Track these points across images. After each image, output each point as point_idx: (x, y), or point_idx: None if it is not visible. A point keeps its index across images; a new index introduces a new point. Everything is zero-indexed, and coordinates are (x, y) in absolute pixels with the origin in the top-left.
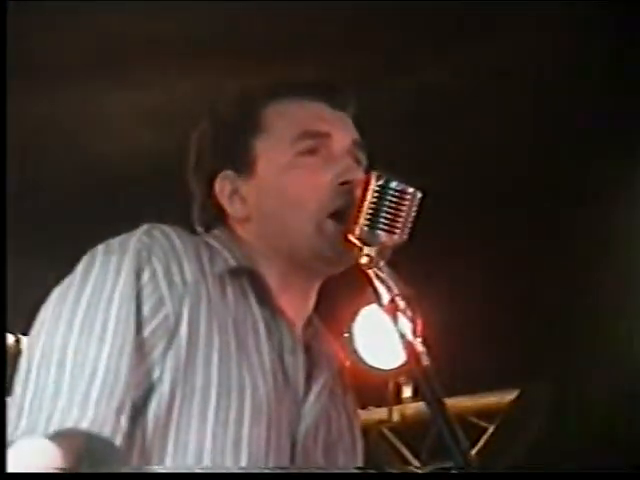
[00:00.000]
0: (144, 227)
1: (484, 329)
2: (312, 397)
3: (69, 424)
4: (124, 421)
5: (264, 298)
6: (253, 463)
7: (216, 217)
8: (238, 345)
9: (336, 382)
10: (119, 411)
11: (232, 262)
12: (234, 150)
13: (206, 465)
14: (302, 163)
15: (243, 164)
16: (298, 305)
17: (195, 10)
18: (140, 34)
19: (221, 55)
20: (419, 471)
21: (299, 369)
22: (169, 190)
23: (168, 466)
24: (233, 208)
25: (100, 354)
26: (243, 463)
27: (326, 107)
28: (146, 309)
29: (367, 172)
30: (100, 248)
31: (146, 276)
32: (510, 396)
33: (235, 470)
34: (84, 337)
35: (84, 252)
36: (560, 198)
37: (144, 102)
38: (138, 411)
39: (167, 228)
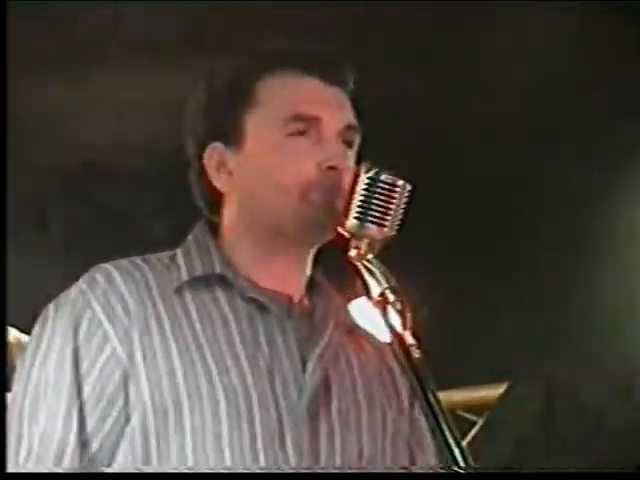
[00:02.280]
0: (89, 272)
1: (474, 322)
2: (312, 362)
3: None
4: (66, 465)
5: (236, 293)
6: (237, 463)
7: (208, 189)
8: (204, 355)
9: (349, 336)
10: (57, 459)
11: (185, 277)
12: (224, 122)
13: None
14: (290, 145)
15: (232, 137)
16: (292, 275)
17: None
18: (138, 27)
19: (218, 46)
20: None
21: (292, 348)
22: (169, 184)
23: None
24: (219, 180)
25: (40, 417)
26: (227, 453)
27: (321, 83)
28: (86, 363)
29: (358, 161)
30: (50, 307)
31: (85, 326)
32: (499, 390)
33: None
34: (33, 402)
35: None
36: (561, 196)
37: (142, 94)
38: (111, 452)
39: (110, 267)
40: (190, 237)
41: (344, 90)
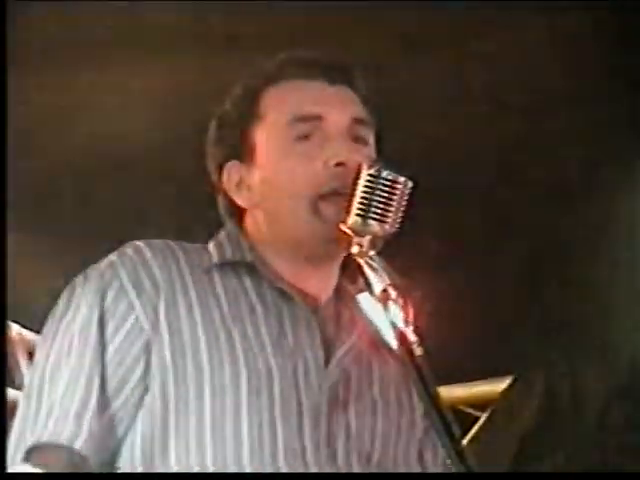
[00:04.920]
0: (121, 247)
1: (476, 317)
2: (335, 360)
3: (31, 442)
4: (86, 425)
5: (264, 283)
6: (255, 437)
7: (231, 206)
8: (229, 332)
9: (373, 343)
10: (78, 417)
11: (216, 259)
12: (236, 140)
13: (209, 449)
14: (296, 149)
15: (245, 153)
16: (317, 280)
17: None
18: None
19: (226, 40)
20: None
21: (316, 341)
22: (172, 177)
23: (173, 465)
24: (241, 197)
25: (62, 376)
26: (245, 439)
27: (324, 85)
28: (111, 327)
29: (378, 151)
30: (79, 279)
31: (111, 294)
32: (502, 385)
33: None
34: (55, 365)
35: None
36: (560, 193)
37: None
38: (131, 416)
39: (142, 243)
40: (222, 232)
41: (350, 88)
